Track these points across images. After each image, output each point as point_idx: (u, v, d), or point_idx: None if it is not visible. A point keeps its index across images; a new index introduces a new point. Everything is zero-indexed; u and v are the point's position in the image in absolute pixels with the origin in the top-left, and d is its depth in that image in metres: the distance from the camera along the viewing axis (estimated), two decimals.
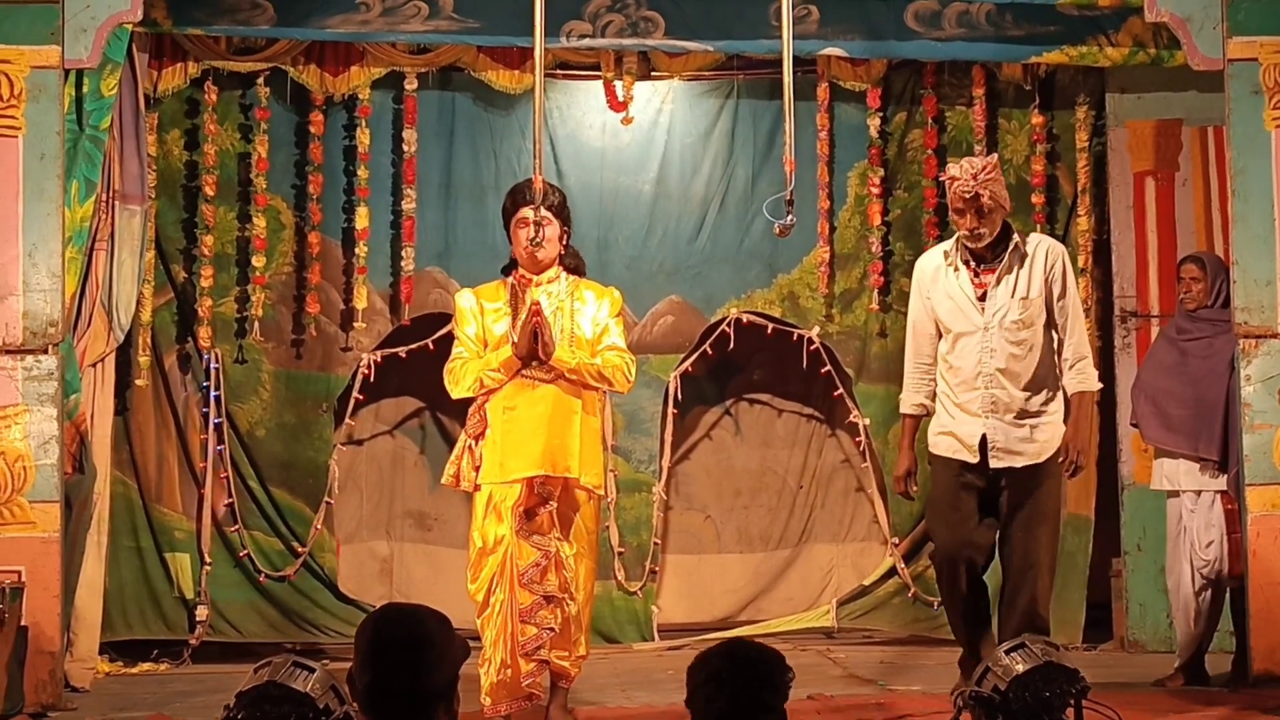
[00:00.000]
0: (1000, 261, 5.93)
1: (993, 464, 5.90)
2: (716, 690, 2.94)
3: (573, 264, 5.83)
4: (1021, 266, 5.92)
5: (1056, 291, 5.92)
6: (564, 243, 5.78)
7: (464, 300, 5.81)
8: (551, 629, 5.56)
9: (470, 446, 5.66)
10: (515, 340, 5.56)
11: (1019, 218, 8.01)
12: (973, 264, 5.97)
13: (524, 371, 5.59)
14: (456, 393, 5.71)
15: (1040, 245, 6.00)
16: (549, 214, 5.67)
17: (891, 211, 8.13)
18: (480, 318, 5.72)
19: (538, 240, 5.62)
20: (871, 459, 8.12)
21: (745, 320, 8.09)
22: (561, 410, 5.60)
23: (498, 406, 5.61)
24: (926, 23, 7.32)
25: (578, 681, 5.84)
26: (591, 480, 5.68)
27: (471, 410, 5.70)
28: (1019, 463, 5.90)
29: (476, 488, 5.63)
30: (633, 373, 5.77)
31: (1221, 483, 6.46)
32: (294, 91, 7.82)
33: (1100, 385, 6.07)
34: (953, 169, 5.97)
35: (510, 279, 5.78)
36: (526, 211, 5.65)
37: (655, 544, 8.10)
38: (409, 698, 2.84)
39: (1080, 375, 5.94)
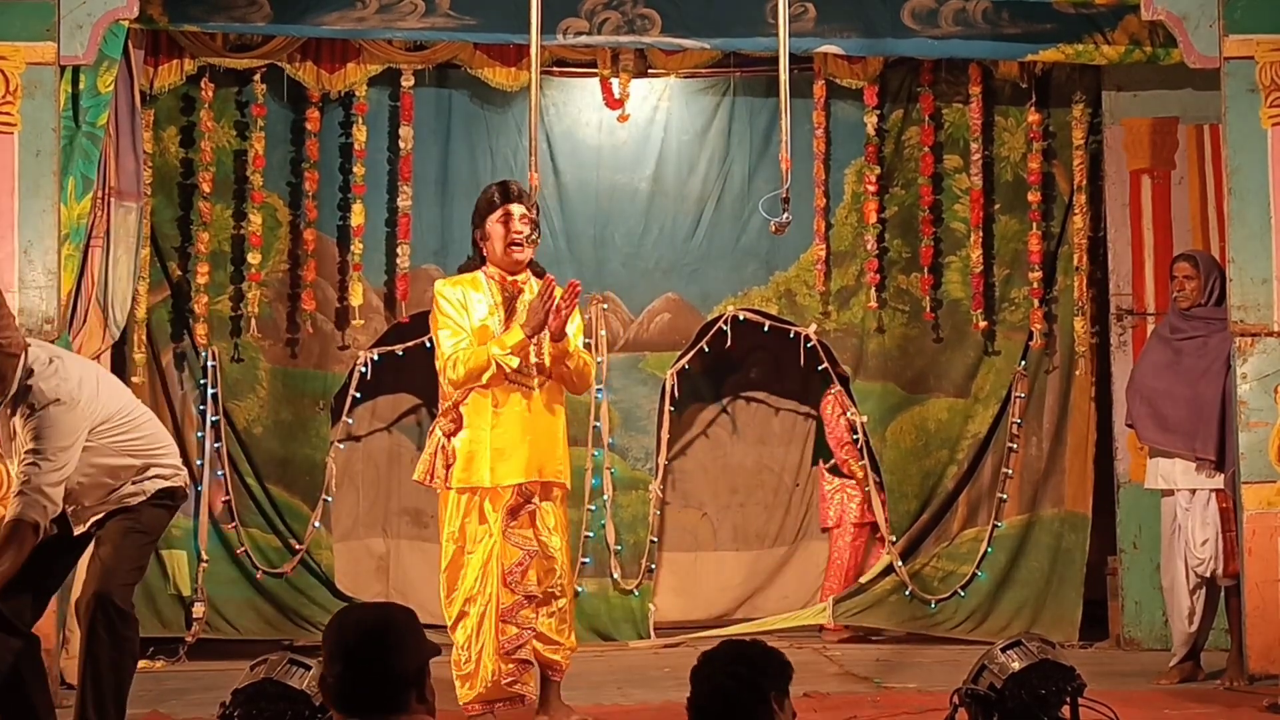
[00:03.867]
0: None
1: None
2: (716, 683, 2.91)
3: (539, 269, 5.79)
4: None
5: None
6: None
7: (452, 291, 5.64)
8: (532, 629, 5.54)
9: (443, 445, 5.59)
10: (524, 322, 5.48)
11: (1015, 215, 8.04)
12: None
13: (511, 377, 5.54)
14: (464, 378, 5.47)
15: None
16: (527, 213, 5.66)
17: (888, 209, 8.12)
18: (468, 308, 5.62)
19: (534, 239, 5.61)
20: (869, 457, 8.10)
21: (742, 318, 8.09)
22: (547, 415, 5.60)
23: (484, 410, 5.55)
24: (923, 20, 7.31)
25: (574, 679, 5.82)
26: (566, 478, 5.72)
27: (447, 408, 5.64)
28: None
29: (448, 488, 5.59)
30: (593, 376, 5.80)
31: (1218, 481, 6.45)
32: (290, 88, 7.81)
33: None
34: None
35: (484, 274, 5.69)
36: (516, 208, 5.62)
37: (652, 541, 8.09)
38: (379, 685, 2.80)
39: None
